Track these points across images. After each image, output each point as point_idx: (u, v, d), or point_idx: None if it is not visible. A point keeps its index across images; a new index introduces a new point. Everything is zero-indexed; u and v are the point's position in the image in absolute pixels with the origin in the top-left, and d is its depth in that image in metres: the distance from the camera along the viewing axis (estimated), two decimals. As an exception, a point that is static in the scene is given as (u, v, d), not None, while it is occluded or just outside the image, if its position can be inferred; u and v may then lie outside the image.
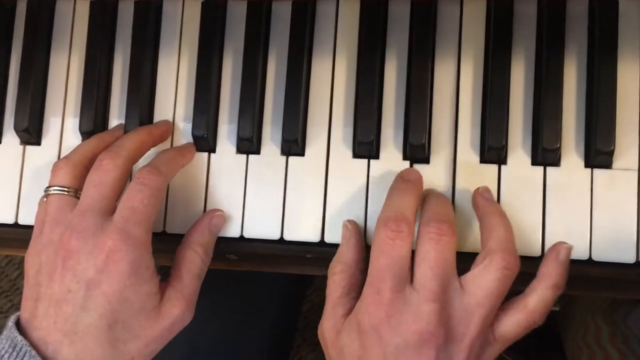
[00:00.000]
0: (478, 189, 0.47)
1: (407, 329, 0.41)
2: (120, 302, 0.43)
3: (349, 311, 0.45)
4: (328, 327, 0.45)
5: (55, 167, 0.47)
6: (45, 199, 0.47)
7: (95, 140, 0.49)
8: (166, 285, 0.47)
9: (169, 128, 0.51)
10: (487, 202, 0.46)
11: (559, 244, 0.45)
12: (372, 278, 0.43)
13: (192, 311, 0.47)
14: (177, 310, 0.46)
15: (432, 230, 0.42)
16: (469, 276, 0.43)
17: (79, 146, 0.49)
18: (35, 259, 0.45)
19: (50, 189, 0.47)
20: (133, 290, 0.43)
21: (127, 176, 0.47)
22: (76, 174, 0.47)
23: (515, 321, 0.43)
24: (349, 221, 0.48)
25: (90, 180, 0.45)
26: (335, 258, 0.47)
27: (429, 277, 0.41)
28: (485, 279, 0.42)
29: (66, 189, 0.46)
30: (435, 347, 0.41)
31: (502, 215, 0.45)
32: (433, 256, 0.42)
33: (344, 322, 0.45)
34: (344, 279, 0.46)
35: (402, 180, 0.47)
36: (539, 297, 0.44)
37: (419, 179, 0.47)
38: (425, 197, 0.47)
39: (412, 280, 0.42)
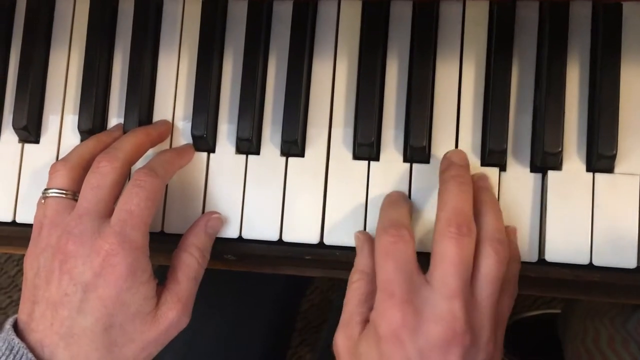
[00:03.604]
0: (474, 175, 0.47)
1: (430, 330, 0.40)
2: (116, 305, 0.43)
3: (365, 320, 0.44)
4: (343, 336, 0.44)
5: (53, 169, 0.47)
6: (43, 201, 0.47)
7: (93, 142, 0.49)
8: (162, 288, 0.46)
9: (168, 128, 0.51)
10: (480, 189, 0.46)
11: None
12: (383, 283, 0.42)
13: (189, 314, 0.47)
14: (173, 313, 0.45)
15: (453, 230, 0.41)
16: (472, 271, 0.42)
17: (76, 148, 0.49)
18: (33, 261, 0.45)
19: (48, 191, 0.46)
20: (129, 293, 0.43)
21: (124, 178, 0.47)
22: (74, 176, 0.47)
23: (507, 297, 0.44)
24: (360, 232, 0.48)
25: (87, 183, 0.45)
26: (352, 270, 0.46)
27: (450, 274, 0.41)
28: (486, 266, 0.42)
29: (64, 192, 0.46)
30: (462, 346, 0.40)
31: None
32: (454, 253, 0.41)
33: (359, 331, 0.43)
34: (361, 287, 0.45)
35: (391, 196, 0.47)
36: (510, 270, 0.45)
37: (405, 197, 0.48)
38: (446, 185, 0.45)
39: (427, 280, 0.42)
